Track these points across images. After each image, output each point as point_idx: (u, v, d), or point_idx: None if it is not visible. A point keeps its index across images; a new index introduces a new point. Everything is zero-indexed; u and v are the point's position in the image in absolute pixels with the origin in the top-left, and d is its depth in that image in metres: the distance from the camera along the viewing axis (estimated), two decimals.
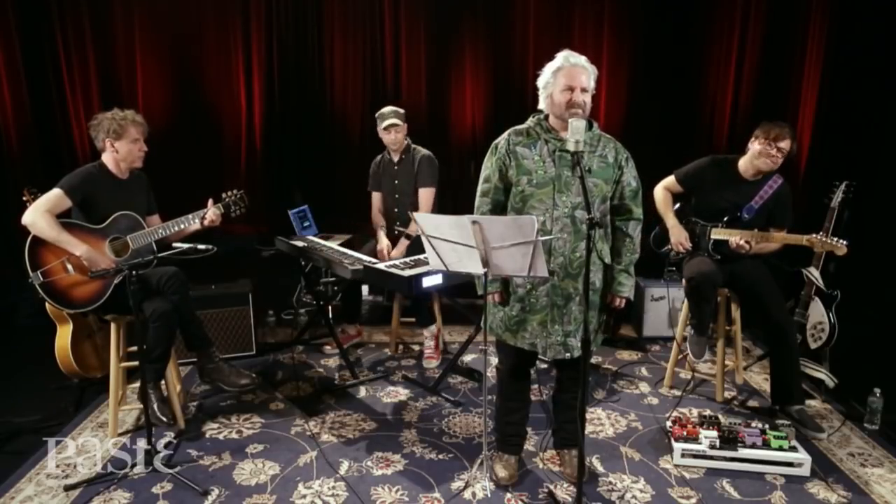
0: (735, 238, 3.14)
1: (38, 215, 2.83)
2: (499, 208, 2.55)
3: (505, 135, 2.54)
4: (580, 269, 2.42)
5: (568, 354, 2.50)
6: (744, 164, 3.27)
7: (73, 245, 2.85)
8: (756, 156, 3.18)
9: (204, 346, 3.22)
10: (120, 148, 3.02)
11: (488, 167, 2.55)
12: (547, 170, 2.42)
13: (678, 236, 3.32)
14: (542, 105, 2.51)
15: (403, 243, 3.92)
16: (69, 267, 2.88)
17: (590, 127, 2.44)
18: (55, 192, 2.90)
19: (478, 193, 2.59)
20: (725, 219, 3.26)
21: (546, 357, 2.52)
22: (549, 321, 2.47)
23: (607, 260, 2.51)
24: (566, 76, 2.39)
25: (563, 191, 2.40)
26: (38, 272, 2.81)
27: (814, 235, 3.11)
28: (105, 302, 2.94)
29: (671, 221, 3.37)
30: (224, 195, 3.28)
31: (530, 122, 2.53)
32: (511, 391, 2.74)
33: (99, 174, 3.03)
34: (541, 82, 2.48)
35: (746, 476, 2.73)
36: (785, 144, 3.13)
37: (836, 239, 3.07)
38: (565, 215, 2.40)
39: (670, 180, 3.45)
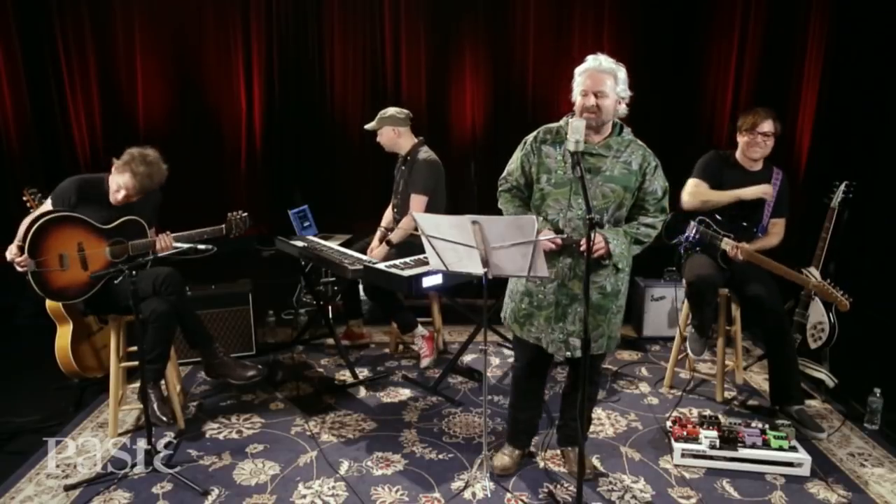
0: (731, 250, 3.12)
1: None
2: (518, 198, 2.56)
3: (536, 131, 2.53)
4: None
5: (568, 353, 2.49)
6: (739, 156, 3.31)
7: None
8: (745, 148, 3.24)
9: (206, 343, 3.22)
10: (112, 177, 2.94)
11: (514, 161, 2.56)
12: (567, 171, 2.41)
13: (757, 190, 3.20)
14: None
15: (382, 248, 3.73)
16: (65, 261, 2.84)
17: (620, 131, 2.45)
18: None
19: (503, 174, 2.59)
20: (741, 226, 3.22)
21: (549, 352, 2.52)
22: (552, 318, 2.48)
23: (620, 265, 2.45)
24: (584, 80, 2.38)
25: (580, 193, 2.32)
26: (35, 260, 2.74)
27: (821, 282, 3.12)
28: (100, 301, 2.94)
29: (735, 192, 3.20)
30: (230, 215, 3.21)
31: (562, 121, 2.48)
32: (523, 389, 2.74)
33: (102, 184, 2.98)
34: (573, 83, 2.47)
35: (746, 476, 2.72)
36: (767, 127, 3.18)
37: (841, 292, 3.06)
38: (578, 217, 2.38)
39: (694, 182, 3.30)
